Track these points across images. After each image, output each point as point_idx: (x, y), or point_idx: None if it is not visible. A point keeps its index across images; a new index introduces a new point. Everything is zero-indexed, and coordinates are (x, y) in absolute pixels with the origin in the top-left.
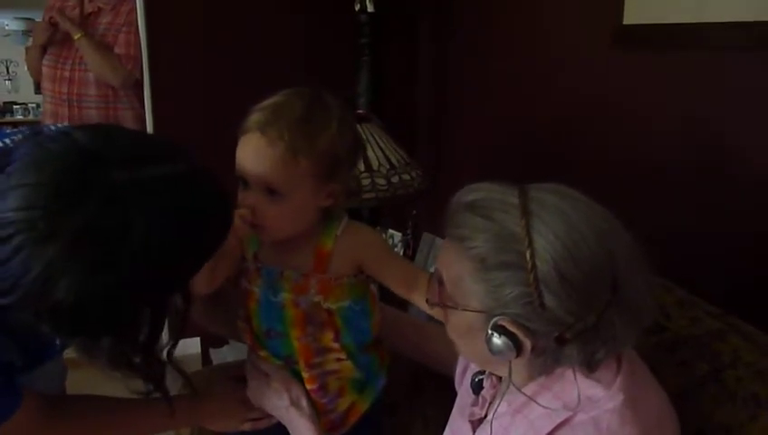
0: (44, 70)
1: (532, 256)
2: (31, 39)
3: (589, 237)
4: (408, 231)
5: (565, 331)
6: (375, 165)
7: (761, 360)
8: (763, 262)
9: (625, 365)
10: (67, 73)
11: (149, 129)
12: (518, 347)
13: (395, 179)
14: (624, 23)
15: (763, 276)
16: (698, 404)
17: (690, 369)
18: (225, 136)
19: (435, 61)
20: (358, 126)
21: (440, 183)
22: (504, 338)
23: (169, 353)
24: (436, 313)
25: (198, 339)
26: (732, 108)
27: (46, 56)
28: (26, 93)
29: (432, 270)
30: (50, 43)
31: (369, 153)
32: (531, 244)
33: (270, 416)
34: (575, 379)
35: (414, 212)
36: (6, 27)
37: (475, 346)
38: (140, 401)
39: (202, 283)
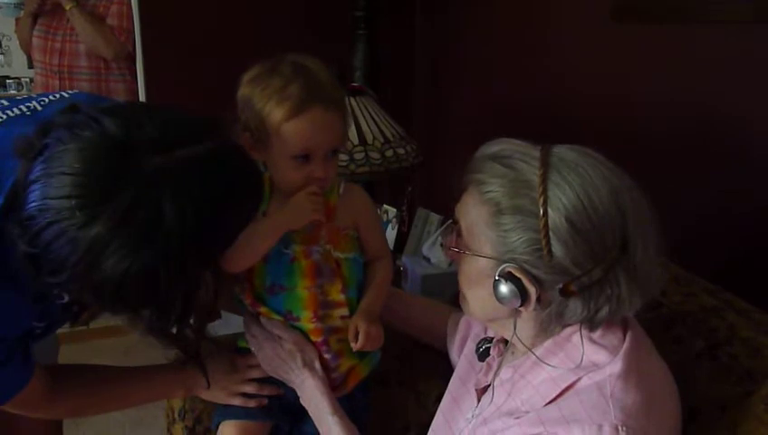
0: (35, 41)
1: (545, 202)
2: (23, 11)
3: (602, 193)
4: (403, 207)
5: (570, 282)
6: (369, 139)
7: (756, 336)
8: (760, 239)
9: (631, 334)
10: (58, 45)
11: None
12: (523, 296)
13: (389, 153)
14: None
15: (759, 253)
16: (693, 380)
17: (686, 345)
18: (219, 108)
19: (431, 35)
20: (352, 99)
21: (435, 159)
22: (510, 285)
23: (202, 326)
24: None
25: None
26: (732, 82)
27: (37, 27)
28: (20, 68)
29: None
30: (41, 12)
31: (363, 127)
32: (545, 192)
33: (260, 399)
34: (581, 343)
35: (409, 188)
36: None
37: (483, 296)
38: (138, 370)
39: (246, 260)
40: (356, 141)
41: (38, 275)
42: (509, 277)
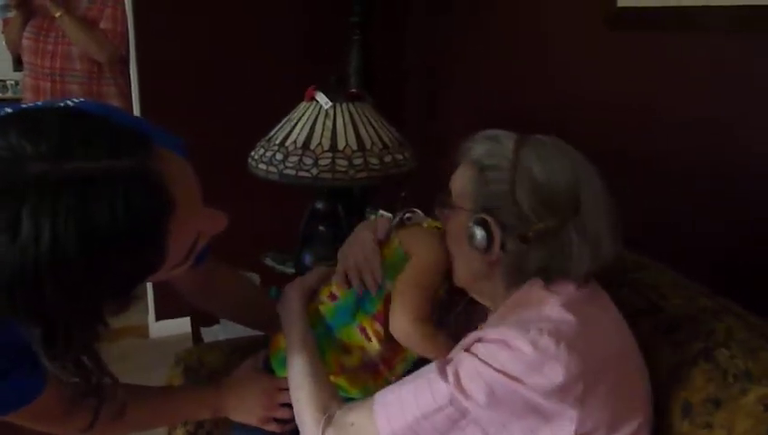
0: (25, 42)
1: (515, 160)
2: (9, 13)
3: (564, 163)
4: (398, 211)
5: (528, 229)
6: (368, 144)
7: (753, 338)
8: (758, 248)
9: (586, 290)
10: (50, 47)
11: (135, 105)
12: (489, 239)
13: (388, 159)
14: (618, 5)
15: (755, 263)
16: (690, 379)
17: (685, 347)
18: (213, 113)
19: (425, 42)
20: (351, 105)
21: (427, 165)
22: (480, 230)
23: (96, 360)
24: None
25: (188, 318)
26: (725, 91)
27: (27, 28)
28: (4, 70)
29: None
30: (30, 14)
31: (362, 132)
32: (516, 152)
33: (294, 423)
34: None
35: (403, 194)
36: None
37: (463, 251)
38: (162, 390)
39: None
40: (355, 147)
41: None
42: (480, 223)
